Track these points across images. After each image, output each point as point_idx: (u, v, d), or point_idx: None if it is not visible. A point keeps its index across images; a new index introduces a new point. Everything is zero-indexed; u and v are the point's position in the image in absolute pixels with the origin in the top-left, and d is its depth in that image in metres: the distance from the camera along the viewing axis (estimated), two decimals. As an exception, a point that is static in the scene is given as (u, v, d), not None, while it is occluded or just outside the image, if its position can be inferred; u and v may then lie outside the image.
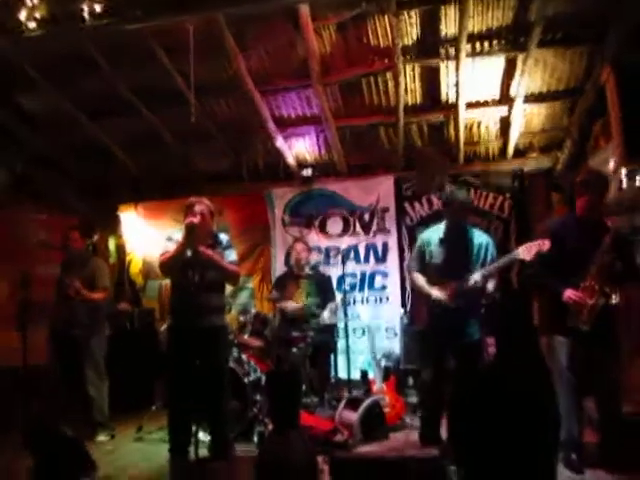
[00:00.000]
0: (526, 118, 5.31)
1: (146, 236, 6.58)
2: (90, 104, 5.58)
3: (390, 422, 4.16)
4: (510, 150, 5.58)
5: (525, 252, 3.25)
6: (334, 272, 5.52)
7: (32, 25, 4.15)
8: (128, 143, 6.14)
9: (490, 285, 3.54)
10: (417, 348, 3.82)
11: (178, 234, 3.51)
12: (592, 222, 3.22)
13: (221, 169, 6.41)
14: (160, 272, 3.84)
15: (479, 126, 5.50)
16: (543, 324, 3.37)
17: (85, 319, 4.36)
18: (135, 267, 6.73)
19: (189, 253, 3.46)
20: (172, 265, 3.51)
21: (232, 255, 3.69)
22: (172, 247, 3.50)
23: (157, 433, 4.33)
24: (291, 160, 6.04)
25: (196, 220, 3.42)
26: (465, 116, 5.25)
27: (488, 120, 5.43)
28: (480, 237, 3.62)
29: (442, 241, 3.62)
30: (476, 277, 3.39)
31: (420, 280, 3.70)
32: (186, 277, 3.44)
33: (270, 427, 3.68)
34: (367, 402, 3.96)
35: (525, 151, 5.66)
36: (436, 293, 3.52)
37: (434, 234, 3.69)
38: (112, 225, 6.81)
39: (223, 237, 3.75)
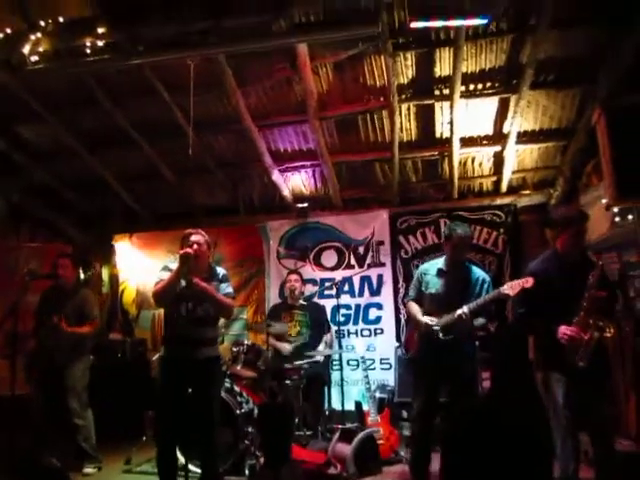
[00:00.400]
0: (519, 156, 5.45)
1: (140, 266, 6.63)
2: (89, 136, 5.69)
3: (384, 455, 4.15)
4: (504, 186, 5.70)
5: (509, 289, 3.35)
6: (329, 304, 5.55)
7: (35, 59, 4.26)
8: (125, 175, 6.23)
9: (481, 320, 3.56)
10: (411, 379, 3.81)
11: (174, 264, 3.52)
12: (575, 258, 3.25)
13: (217, 202, 6.50)
14: (153, 302, 3.83)
15: (473, 162, 5.63)
16: (538, 359, 3.37)
17: (68, 348, 4.32)
18: (128, 297, 6.74)
19: (183, 284, 3.44)
20: (165, 295, 3.48)
21: (228, 288, 3.66)
22: (166, 277, 3.49)
23: (146, 465, 4.27)
24: (287, 194, 6.13)
25: (191, 251, 3.42)
26: (459, 152, 5.37)
27: (482, 156, 5.56)
28: (478, 273, 3.69)
29: (440, 272, 3.69)
30: (464, 310, 3.43)
31: (414, 308, 3.75)
32: (179, 308, 3.42)
33: (262, 460, 3.63)
34: (361, 435, 3.93)
35: (518, 187, 5.78)
36: (427, 319, 3.56)
37: (434, 265, 3.78)
38: (106, 255, 6.85)
39: (220, 270, 3.74)
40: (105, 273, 6.84)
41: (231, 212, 6.46)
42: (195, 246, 3.48)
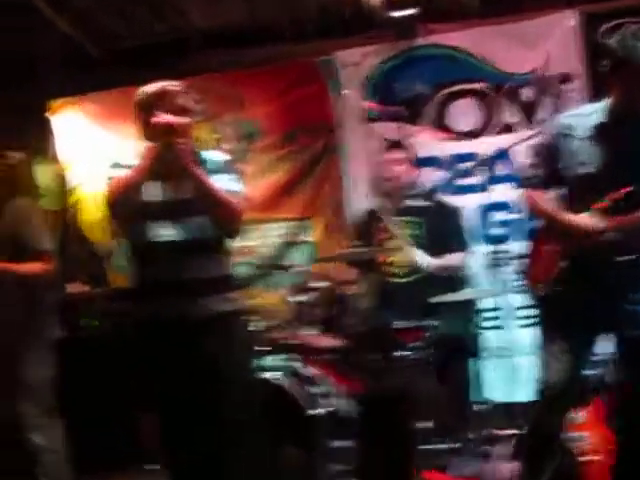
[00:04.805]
0: None
1: (103, 155, 6.60)
2: None
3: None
4: None
5: None
6: (468, 203, 5.76)
7: None
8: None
9: None
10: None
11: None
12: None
13: (232, 21, 6.61)
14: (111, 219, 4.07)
15: None
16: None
17: (11, 315, 4.51)
18: (88, 214, 6.89)
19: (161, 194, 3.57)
20: (126, 208, 3.56)
21: (233, 183, 3.77)
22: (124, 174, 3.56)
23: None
24: (371, -6, 5.96)
25: (174, 121, 3.45)
26: None
27: None
28: None
29: (600, 129, 3.57)
30: None
31: (548, 202, 3.75)
32: (154, 231, 3.54)
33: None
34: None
35: None
36: (594, 221, 3.49)
37: (584, 118, 3.69)
38: (38, 138, 6.94)
39: (215, 156, 3.84)
40: (43, 173, 6.91)
41: (261, 39, 6.49)
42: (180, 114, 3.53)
